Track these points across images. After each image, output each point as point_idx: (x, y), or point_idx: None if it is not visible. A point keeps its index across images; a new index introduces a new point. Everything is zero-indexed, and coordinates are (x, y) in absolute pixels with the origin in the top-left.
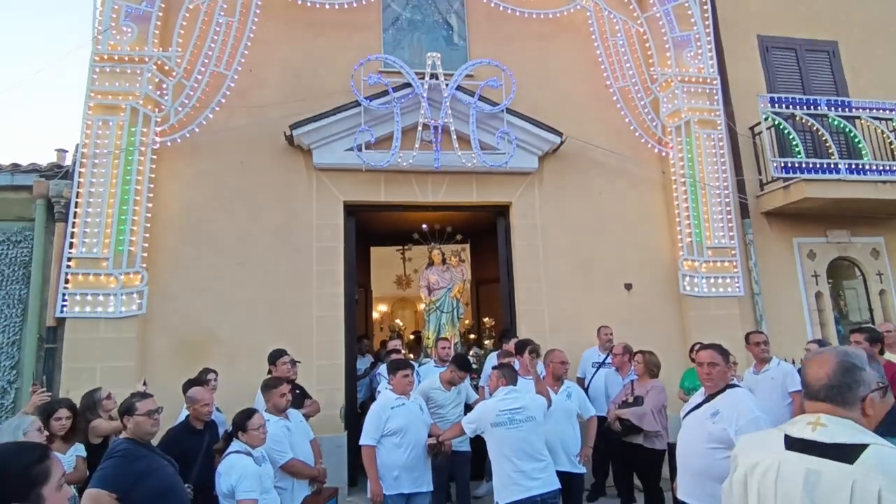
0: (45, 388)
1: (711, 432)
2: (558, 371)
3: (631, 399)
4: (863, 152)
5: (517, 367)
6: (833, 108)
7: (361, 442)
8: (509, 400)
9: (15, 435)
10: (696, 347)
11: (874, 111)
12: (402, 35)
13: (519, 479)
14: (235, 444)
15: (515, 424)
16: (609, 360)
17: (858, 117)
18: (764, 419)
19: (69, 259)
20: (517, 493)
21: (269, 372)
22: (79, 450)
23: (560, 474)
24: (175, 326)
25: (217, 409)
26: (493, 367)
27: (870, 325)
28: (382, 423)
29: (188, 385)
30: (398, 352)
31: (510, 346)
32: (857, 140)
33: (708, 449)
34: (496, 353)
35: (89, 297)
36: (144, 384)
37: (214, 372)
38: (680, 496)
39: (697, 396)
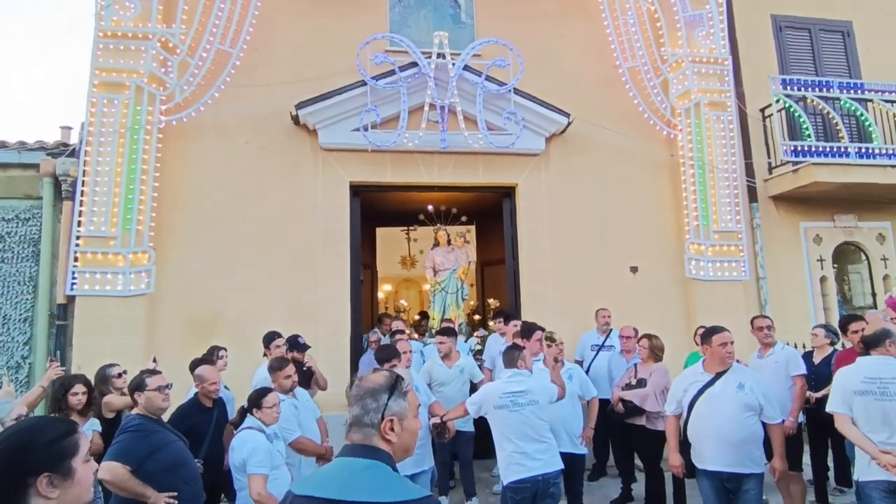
0: (59, 363)
1: (747, 403)
2: (553, 353)
3: (634, 382)
4: (873, 136)
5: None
6: (845, 91)
7: None
8: (513, 383)
9: None
10: (701, 331)
11: (887, 94)
12: (408, 13)
13: (520, 460)
14: (249, 420)
15: (518, 407)
16: (607, 342)
17: (870, 100)
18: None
19: (78, 238)
20: (519, 472)
21: (264, 355)
22: (94, 424)
23: (562, 455)
24: (182, 305)
25: (225, 387)
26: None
27: (867, 311)
28: None
29: (194, 364)
30: (402, 332)
31: (500, 325)
32: (867, 123)
33: (746, 417)
34: (498, 333)
35: (98, 276)
36: (154, 361)
37: (224, 349)
38: (713, 467)
39: (697, 375)
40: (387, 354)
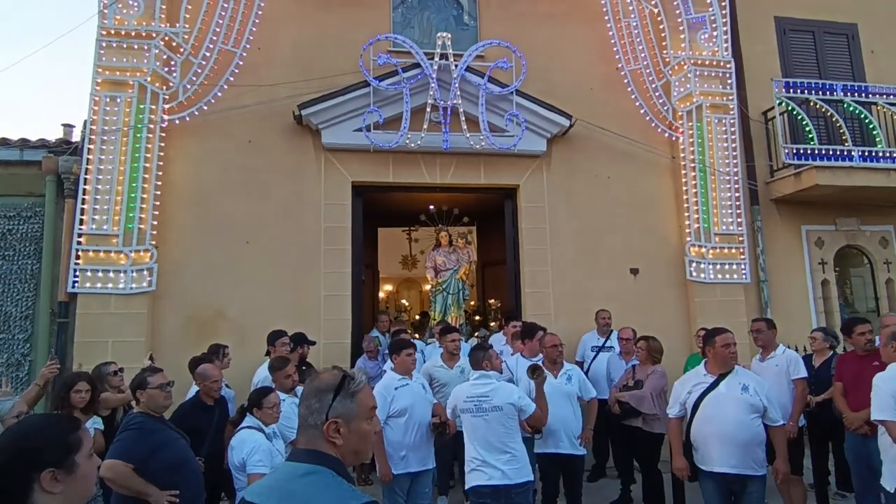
0: (55, 360)
1: (752, 404)
2: (552, 355)
3: (632, 383)
4: (877, 139)
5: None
6: (849, 94)
7: None
8: (478, 385)
9: None
10: (702, 333)
11: (892, 97)
12: (411, 14)
13: (479, 467)
14: (248, 420)
15: (481, 413)
16: (608, 343)
17: (875, 103)
18: None
19: (80, 235)
20: (478, 479)
21: (268, 353)
22: (97, 422)
23: (561, 456)
24: (184, 303)
25: (226, 386)
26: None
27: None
28: (387, 404)
29: (194, 363)
30: (404, 332)
31: (509, 327)
32: (871, 126)
33: (751, 419)
34: (501, 333)
35: (100, 274)
36: (151, 359)
37: (226, 347)
38: (719, 469)
39: (700, 377)
40: (403, 344)
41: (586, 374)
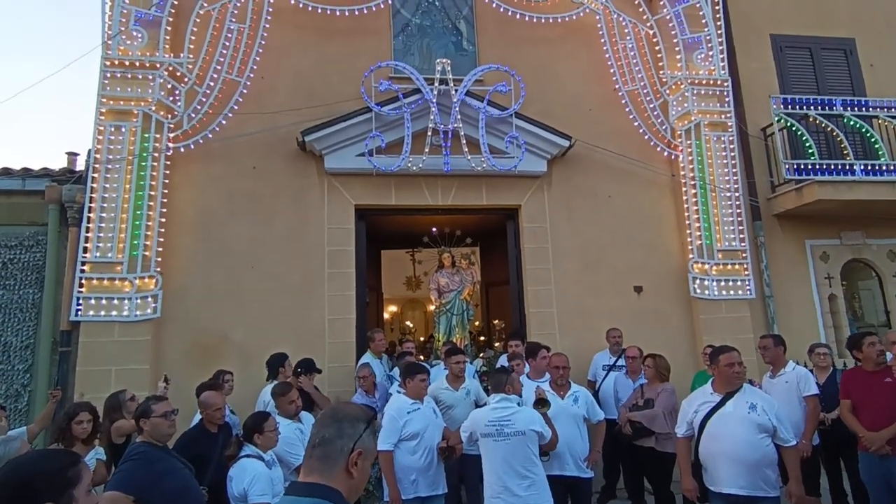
0: (56, 391)
1: (760, 423)
2: (554, 376)
3: (641, 402)
4: (879, 153)
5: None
6: (849, 108)
7: (378, 447)
8: (499, 409)
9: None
10: (709, 350)
11: (892, 110)
12: (411, 41)
13: (501, 494)
14: (247, 449)
15: (503, 437)
16: (619, 362)
17: (876, 117)
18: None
19: (83, 263)
20: None
21: (269, 377)
22: (99, 453)
23: (568, 478)
24: (189, 329)
25: (231, 412)
26: (495, 371)
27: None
28: (399, 428)
29: (201, 389)
30: (411, 354)
31: (515, 347)
32: (873, 140)
33: (759, 439)
34: (506, 354)
35: (104, 301)
36: (166, 380)
37: (230, 373)
38: (728, 490)
39: (707, 396)
40: (417, 369)
41: (598, 392)
